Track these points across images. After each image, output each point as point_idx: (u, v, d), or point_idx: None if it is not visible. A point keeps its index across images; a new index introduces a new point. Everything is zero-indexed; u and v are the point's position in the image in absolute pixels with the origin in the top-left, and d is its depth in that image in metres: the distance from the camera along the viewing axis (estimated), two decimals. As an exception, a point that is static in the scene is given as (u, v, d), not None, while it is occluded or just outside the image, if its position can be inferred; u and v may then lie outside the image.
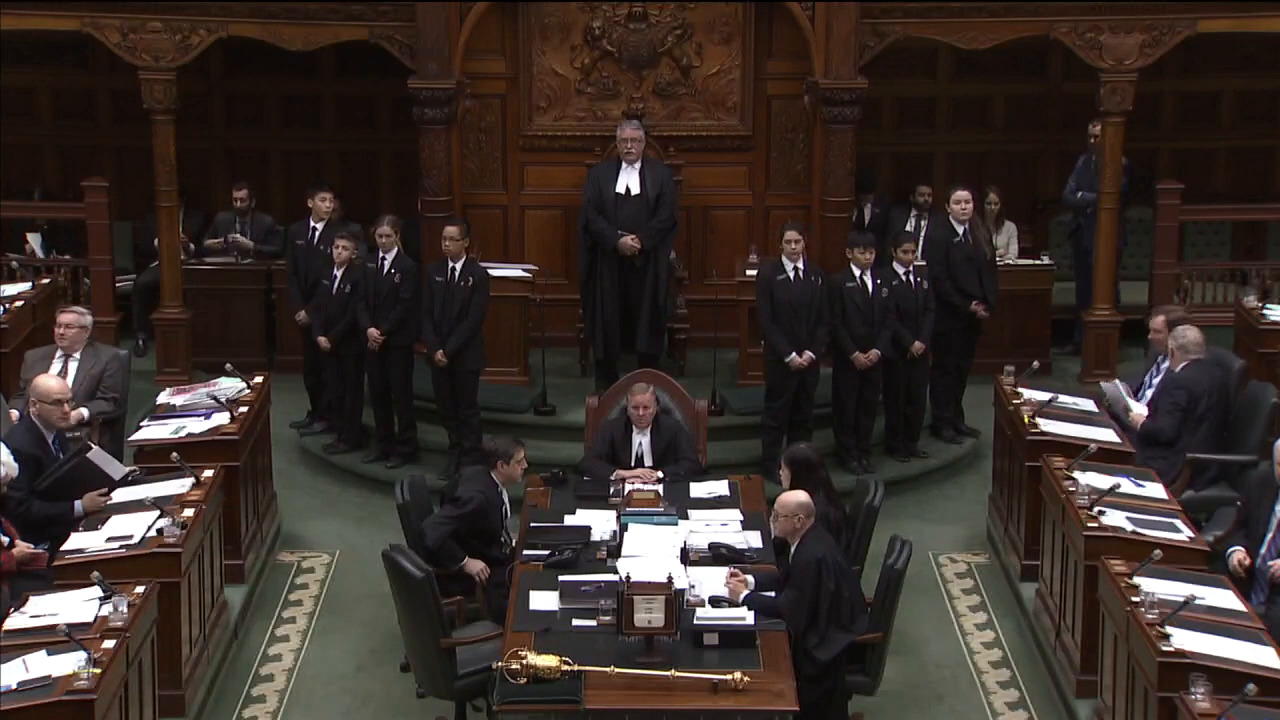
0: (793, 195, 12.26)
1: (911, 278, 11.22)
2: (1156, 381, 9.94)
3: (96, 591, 7.27)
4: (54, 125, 14.89)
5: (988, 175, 14.14)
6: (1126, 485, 8.72)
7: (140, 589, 7.41)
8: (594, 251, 11.39)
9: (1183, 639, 6.97)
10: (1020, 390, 10.13)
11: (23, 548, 8.00)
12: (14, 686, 6.58)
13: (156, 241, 12.75)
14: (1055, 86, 14.56)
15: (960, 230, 11.61)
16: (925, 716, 8.48)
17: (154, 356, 12.77)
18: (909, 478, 11.25)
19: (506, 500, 8.88)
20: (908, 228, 12.79)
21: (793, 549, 7.88)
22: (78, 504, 8.42)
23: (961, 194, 11.67)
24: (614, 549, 8.28)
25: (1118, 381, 10.33)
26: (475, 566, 8.54)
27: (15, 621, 7.21)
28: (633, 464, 9.42)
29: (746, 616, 7.46)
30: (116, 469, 8.78)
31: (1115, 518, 8.27)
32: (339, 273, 11.30)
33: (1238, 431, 9.75)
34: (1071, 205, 13.16)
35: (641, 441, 9.44)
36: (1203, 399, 9.62)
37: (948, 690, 8.76)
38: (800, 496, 7.92)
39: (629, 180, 11.34)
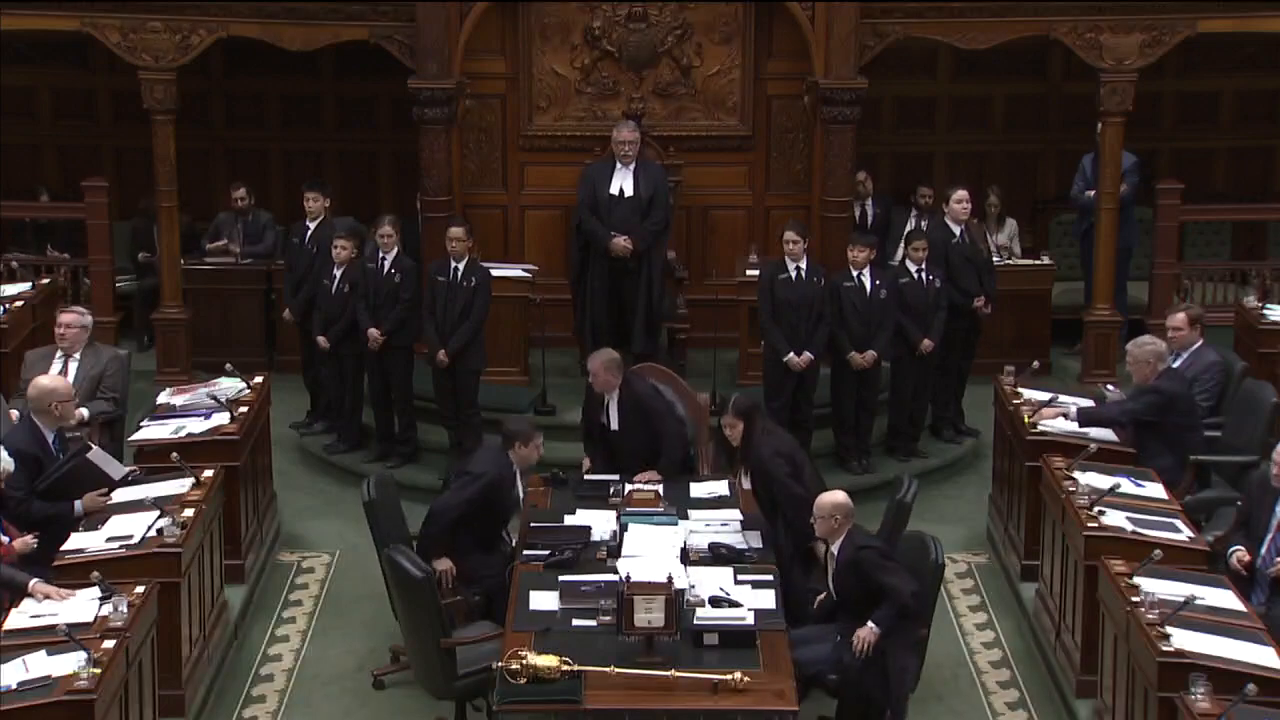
0: (792, 195, 12.26)
1: (923, 275, 11.23)
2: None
3: (96, 591, 7.27)
4: (54, 125, 14.90)
5: (988, 175, 14.15)
6: (1126, 485, 8.71)
7: (140, 589, 7.41)
8: (586, 251, 11.39)
9: (1183, 639, 6.97)
10: (1020, 390, 10.12)
11: (21, 541, 7.98)
12: (14, 686, 6.58)
13: (142, 256, 12.97)
14: (1055, 86, 14.57)
15: (957, 230, 11.62)
16: (925, 716, 8.46)
17: (154, 356, 12.77)
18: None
19: (520, 485, 8.85)
20: (908, 229, 12.80)
21: (836, 551, 7.85)
22: (78, 504, 8.40)
23: (961, 193, 11.69)
24: (614, 549, 8.27)
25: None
26: (443, 565, 8.53)
27: (15, 621, 7.21)
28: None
29: (746, 617, 7.46)
30: (116, 469, 8.77)
31: (1115, 518, 8.26)
32: (338, 272, 11.30)
33: (1234, 430, 9.73)
34: (1081, 205, 13.14)
35: (609, 402, 9.48)
36: (1178, 406, 9.52)
37: (948, 690, 8.75)
38: (837, 497, 7.90)
39: (623, 181, 11.33)
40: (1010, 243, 13.13)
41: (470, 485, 8.61)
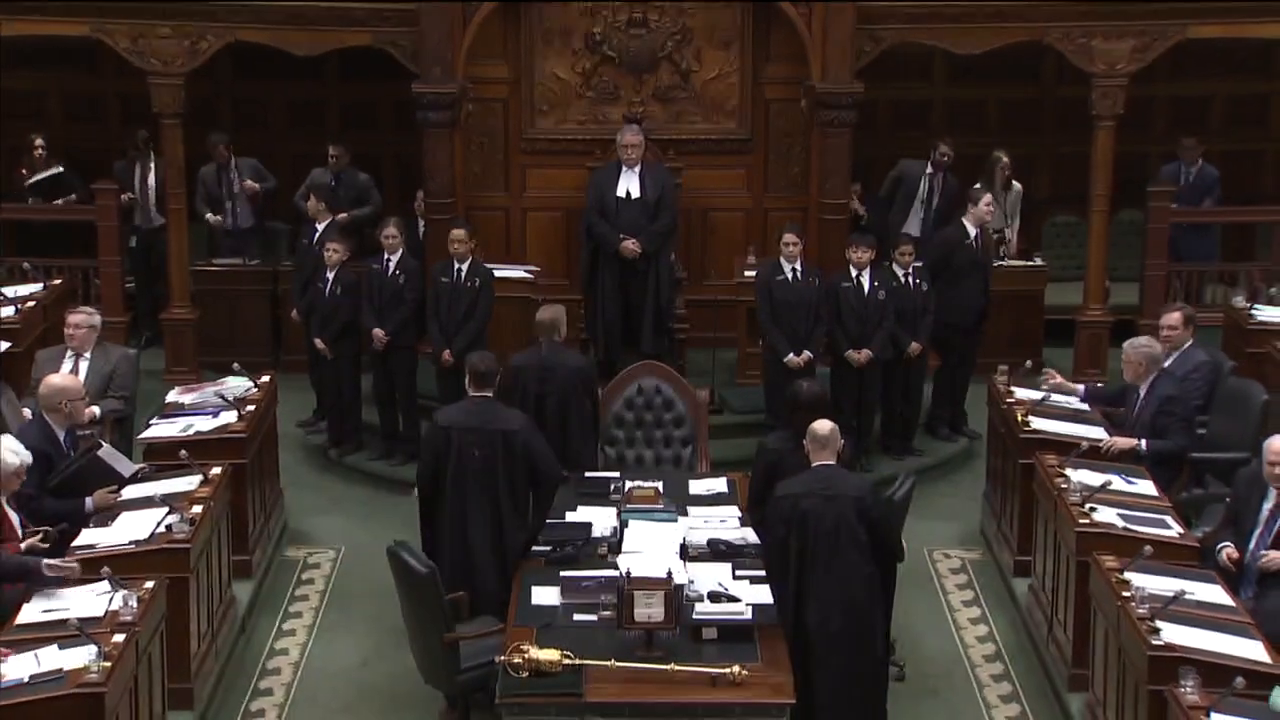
0: (790, 197, 12.37)
1: (910, 279, 11.33)
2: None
3: (106, 586, 7.36)
4: (63, 129, 14.99)
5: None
6: (1118, 482, 8.78)
7: (150, 584, 7.50)
8: (596, 254, 11.50)
9: (1172, 633, 7.06)
10: (1013, 389, 10.23)
11: (29, 544, 8.07)
12: (26, 680, 6.68)
13: (125, 198, 13.21)
14: (1049, 90, 14.65)
15: (973, 232, 11.69)
16: (919, 710, 8.56)
17: (161, 353, 12.87)
18: (905, 475, 11.34)
19: None
20: (920, 190, 12.81)
21: None
22: (88, 501, 8.49)
23: (989, 195, 11.77)
24: (614, 545, 8.36)
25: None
26: None
27: (27, 616, 7.29)
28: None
29: (744, 611, 7.57)
30: (126, 466, 8.87)
31: (1106, 514, 8.36)
32: (331, 275, 11.40)
33: (1221, 428, 9.81)
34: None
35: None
36: (1193, 406, 9.66)
37: (941, 684, 8.84)
38: None
39: (629, 184, 11.44)
40: (1015, 208, 13.07)
41: (542, 435, 8.62)
